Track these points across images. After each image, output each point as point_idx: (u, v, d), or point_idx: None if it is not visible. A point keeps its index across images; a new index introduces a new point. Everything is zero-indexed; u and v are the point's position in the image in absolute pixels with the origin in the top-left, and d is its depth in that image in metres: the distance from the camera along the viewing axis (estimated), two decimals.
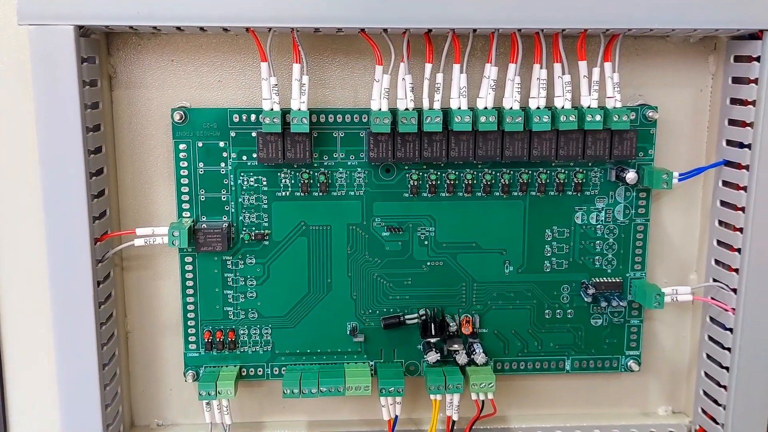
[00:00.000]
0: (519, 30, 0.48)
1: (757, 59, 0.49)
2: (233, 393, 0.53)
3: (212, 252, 0.53)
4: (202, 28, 0.48)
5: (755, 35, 0.49)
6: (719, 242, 0.54)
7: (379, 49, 0.48)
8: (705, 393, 0.56)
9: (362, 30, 0.48)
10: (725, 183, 0.53)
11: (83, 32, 0.47)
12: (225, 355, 0.55)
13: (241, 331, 0.55)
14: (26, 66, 0.48)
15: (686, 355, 0.59)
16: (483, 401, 0.54)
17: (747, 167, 0.50)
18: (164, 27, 0.48)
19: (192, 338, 0.55)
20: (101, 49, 0.51)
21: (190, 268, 0.54)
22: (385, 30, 0.48)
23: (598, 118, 0.50)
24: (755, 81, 0.49)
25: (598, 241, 0.55)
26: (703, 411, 0.57)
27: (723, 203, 0.53)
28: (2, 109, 0.52)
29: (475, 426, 0.56)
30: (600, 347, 0.57)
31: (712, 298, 0.54)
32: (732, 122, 0.52)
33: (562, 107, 0.50)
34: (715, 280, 0.54)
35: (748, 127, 0.50)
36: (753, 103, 0.50)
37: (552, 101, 0.50)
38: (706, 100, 0.55)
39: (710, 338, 0.55)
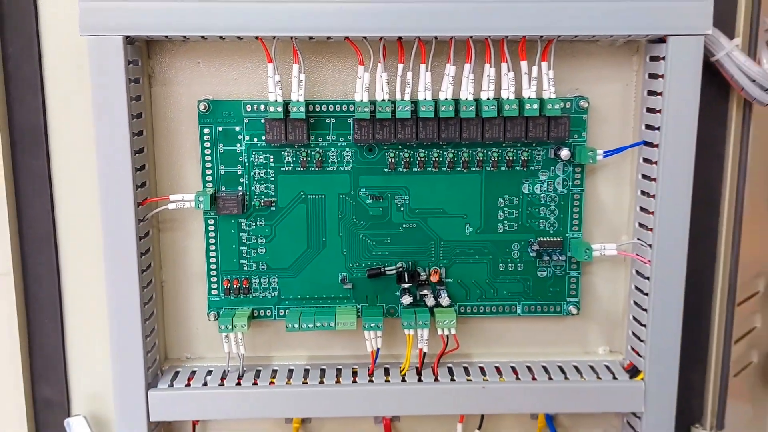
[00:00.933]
0: (471, 37, 0.58)
1: (663, 58, 0.60)
2: (246, 328, 0.63)
3: (230, 215, 0.63)
4: (221, 37, 0.58)
5: (662, 39, 0.60)
6: (641, 208, 0.65)
7: (360, 52, 0.58)
8: (633, 333, 0.68)
9: (347, 37, 0.57)
10: (645, 160, 0.64)
11: (129, 40, 0.56)
12: (240, 299, 0.65)
13: (254, 280, 0.65)
14: (84, 68, 0.58)
15: (620, 304, 0.69)
16: (447, 336, 0.64)
17: (657, 145, 0.62)
18: (192, 36, 0.57)
19: (214, 285, 0.65)
20: (143, 53, 0.60)
21: (213, 228, 0.63)
22: (365, 37, 0.57)
23: (535, 106, 0.60)
24: (662, 76, 0.60)
25: (541, 208, 0.65)
26: (632, 348, 0.68)
27: (644, 176, 0.64)
28: (65, 102, 0.62)
29: (442, 360, 0.66)
30: (545, 294, 0.67)
31: (637, 254, 0.66)
32: (649, 110, 0.63)
33: (507, 98, 0.60)
34: (639, 240, 0.66)
35: (658, 113, 0.61)
36: (661, 94, 0.61)
37: (499, 93, 0.60)
38: (632, 93, 0.65)
39: (636, 288, 0.66)
